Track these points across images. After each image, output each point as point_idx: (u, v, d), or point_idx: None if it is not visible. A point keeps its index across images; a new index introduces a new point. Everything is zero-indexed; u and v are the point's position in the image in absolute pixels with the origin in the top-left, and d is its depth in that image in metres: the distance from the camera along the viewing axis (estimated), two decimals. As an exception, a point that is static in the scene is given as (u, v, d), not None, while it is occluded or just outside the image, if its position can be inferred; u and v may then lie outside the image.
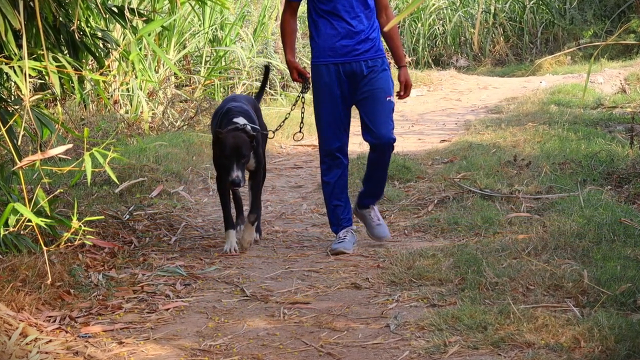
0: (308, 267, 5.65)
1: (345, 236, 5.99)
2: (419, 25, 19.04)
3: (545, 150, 8.33)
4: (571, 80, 14.39)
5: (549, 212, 6.26)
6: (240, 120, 5.82)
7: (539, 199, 6.68)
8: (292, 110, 6.43)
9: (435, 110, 13.62)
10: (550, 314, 4.32)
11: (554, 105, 11.77)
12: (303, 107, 6.22)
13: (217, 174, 6.05)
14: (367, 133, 5.89)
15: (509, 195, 6.80)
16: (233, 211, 6.24)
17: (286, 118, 6.40)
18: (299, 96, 6.18)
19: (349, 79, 5.85)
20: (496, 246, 5.57)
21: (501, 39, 19.13)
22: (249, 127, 5.77)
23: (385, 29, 5.85)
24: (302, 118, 6.29)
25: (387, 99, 5.85)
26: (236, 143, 5.67)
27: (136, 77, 10.73)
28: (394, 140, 5.87)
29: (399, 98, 5.99)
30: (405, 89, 5.99)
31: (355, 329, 4.44)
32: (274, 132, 6.22)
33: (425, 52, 18.97)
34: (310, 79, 5.96)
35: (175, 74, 11.97)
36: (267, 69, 7.05)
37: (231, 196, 6.21)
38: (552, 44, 18.95)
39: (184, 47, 12.63)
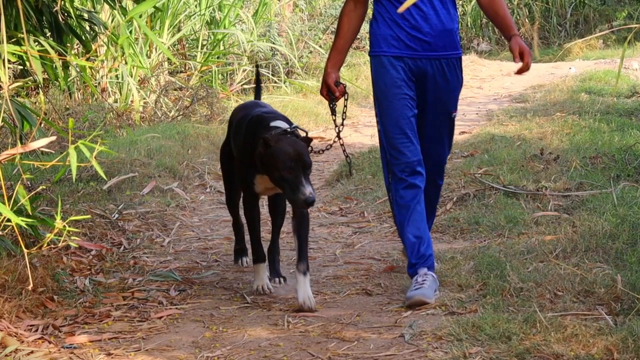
0: (315, 271, 5.65)
1: (424, 281, 5.02)
2: (436, 5, 19.02)
3: (574, 143, 8.32)
4: (603, 66, 14.37)
5: (579, 211, 6.24)
6: (282, 124, 5.09)
7: (568, 197, 6.66)
8: (335, 141, 5.33)
9: (454, 98, 13.60)
10: (581, 322, 4.31)
11: (585, 93, 11.75)
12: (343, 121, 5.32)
13: (246, 191, 5.29)
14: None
15: (535, 193, 6.79)
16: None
17: (330, 146, 5.42)
18: (338, 129, 5.29)
19: (417, 78, 5.09)
20: (521, 248, 5.56)
21: (527, 20, 19.10)
22: (299, 130, 5.08)
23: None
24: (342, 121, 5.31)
25: (453, 114, 5.23)
26: (297, 150, 4.89)
27: (126, 63, 10.73)
28: (444, 162, 5.36)
29: (517, 73, 5.13)
30: (522, 58, 5.00)
31: (367, 339, 4.44)
32: (318, 153, 5.41)
33: (443, 36, 18.96)
34: (336, 100, 5.22)
35: (168, 59, 11.98)
36: (257, 68, 6.58)
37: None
38: (582, 27, 18.93)
39: (179, 30, 12.63)
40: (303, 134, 5.09)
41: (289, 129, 5.00)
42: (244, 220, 5.57)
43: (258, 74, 6.43)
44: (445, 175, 7.58)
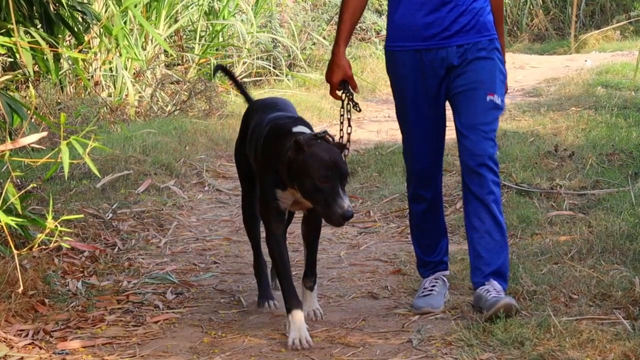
0: (318, 273, 5.62)
1: (434, 287, 4.91)
2: (446, -5, 19.01)
3: (590, 139, 8.31)
4: (621, 58, 14.36)
5: (595, 210, 6.24)
6: (304, 129, 4.63)
7: (583, 195, 6.66)
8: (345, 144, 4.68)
9: (464, 92, 13.58)
10: (597, 327, 4.30)
11: (601, 87, 11.74)
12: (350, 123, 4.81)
13: (267, 207, 4.69)
14: (458, 144, 4.80)
15: (549, 191, 6.78)
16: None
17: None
18: (346, 124, 4.77)
19: (440, 69, 4.67)
20: (534, 249, 5.55)
21: (540, 11, 19.08)
22: (329, 135, 4.54)
23: None
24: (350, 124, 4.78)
25: (488, 98, 4.72)
26: (333, 157, 4.41)
27: (120, 55, 10.73)
28: (491, 156, 4.81)
29: None
30: None
31: (373, 345, 4.43)
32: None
33: (453, 26, 18.95)
34: (352, 97, 4.75)
35: (165, 51, 11.98)
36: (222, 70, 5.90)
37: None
38: (598, 17, 18.90)
39: (176, 21, 12.63)
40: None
41: (319, 134, 4.50)
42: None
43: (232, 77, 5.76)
44: (455, 173, 7.60)
